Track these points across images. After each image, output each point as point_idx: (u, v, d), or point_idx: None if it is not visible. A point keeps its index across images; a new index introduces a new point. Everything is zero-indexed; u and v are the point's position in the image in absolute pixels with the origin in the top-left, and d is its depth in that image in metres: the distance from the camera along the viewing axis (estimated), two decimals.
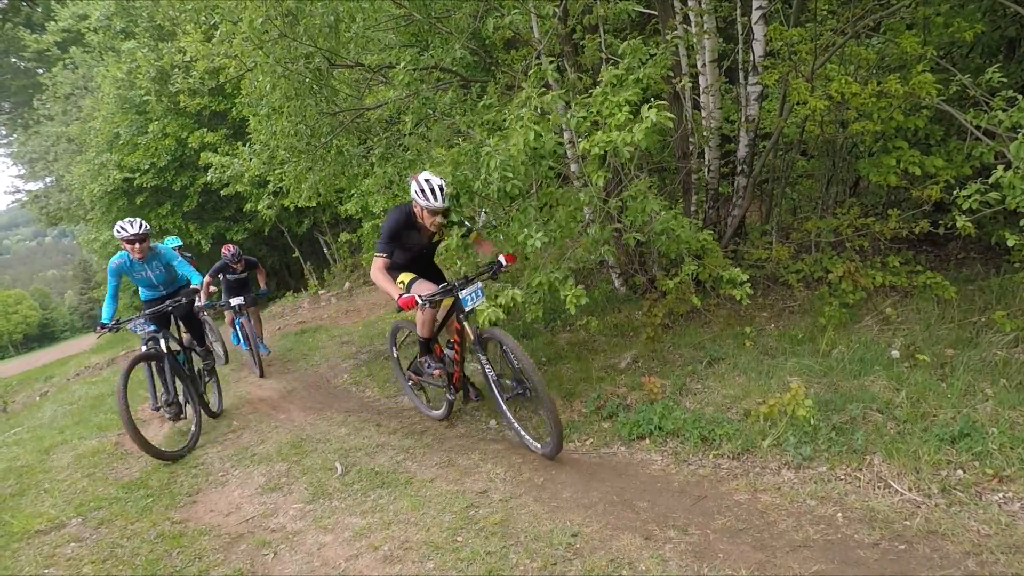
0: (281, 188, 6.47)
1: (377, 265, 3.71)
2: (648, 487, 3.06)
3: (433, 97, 4.51)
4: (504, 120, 3.74)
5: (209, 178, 7.71)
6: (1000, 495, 2.51)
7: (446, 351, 4.32)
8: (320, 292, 15.50)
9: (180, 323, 5.49)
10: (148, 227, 4.68)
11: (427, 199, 3.62)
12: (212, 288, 8.11)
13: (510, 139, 3.39)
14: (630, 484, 3.11)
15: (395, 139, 5.53)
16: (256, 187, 11.98)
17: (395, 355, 4.93)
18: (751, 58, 5.45)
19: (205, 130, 13.12)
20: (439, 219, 3.77)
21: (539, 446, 3.59)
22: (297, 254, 17.23)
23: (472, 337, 3.73)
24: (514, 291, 3.65)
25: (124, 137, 14.36)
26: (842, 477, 2.83)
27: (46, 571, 2.94)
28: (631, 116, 3.29)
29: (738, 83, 6.23)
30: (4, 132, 21.06)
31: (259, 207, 9.85)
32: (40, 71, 18.12)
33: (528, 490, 3.14)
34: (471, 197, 3.88)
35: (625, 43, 3.51)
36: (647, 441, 3.59)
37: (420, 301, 3.54)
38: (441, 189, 3.63)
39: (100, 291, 27.46)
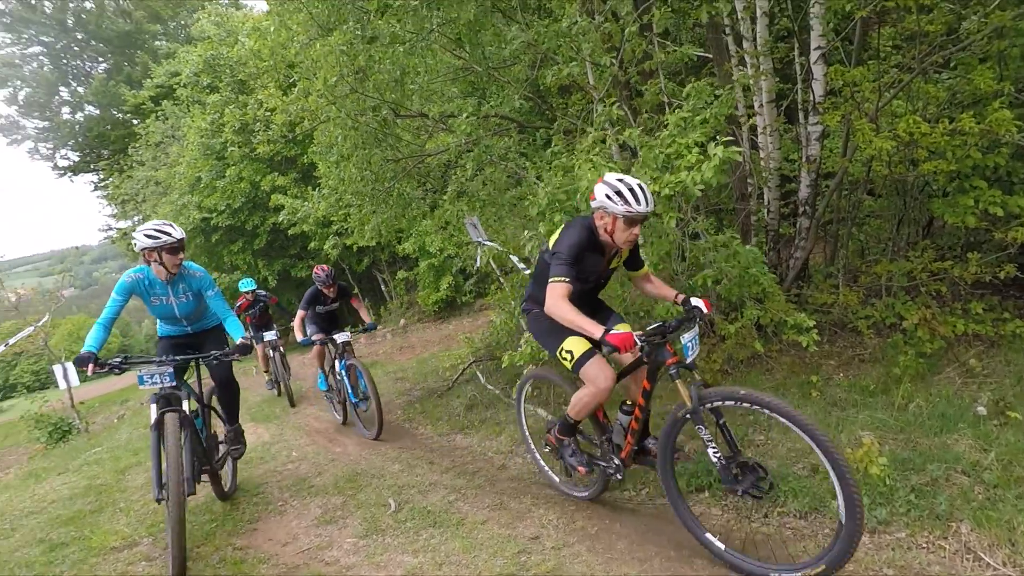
0: (345, 228, 6.80)
1: (559, 293, 2.78)
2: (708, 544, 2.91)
3: (492, 144, 4.68)
4: (574, 166, 3.80)
5: (280, 219, 8.19)
6: None
7: (620, 416, 3.38)
8: (377, 327, 15.93)
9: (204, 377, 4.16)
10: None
11: (626, 203, 2.74)
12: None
13: (579, 180, 3.45)
14: (689, 540, 2.97)
15: (452, 182, 5.74)
16: (320, 227, 12.64)
17: (522, 411, 4.21)
18: (811, 98, 5.37)
19: (276, 174, 14.02)
20: (636, 232, 2.86)
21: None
22: (356, 291, 17.85)
23: (691, 402, 2.76)
24: None
25: (204, 180, 15.54)
26: (924, 545, 2.61)
27: None
28: (700, 156, 3.30)
29: (797, 123, 6.13)
30: (102, 176, 23.23)
31: (325, 246, 10.33)
32: (135, 122, 19.98)
33: (581, 539, 3.06)
34: (565, 213, 3.92)
35: (690, 86, 3.55)
36: (706, 494, 3.44)
37: (639, 342, 2.67)
38: (643, 189, 2.77)
39: None
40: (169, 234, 3.54)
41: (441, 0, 4.37)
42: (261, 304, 8.90)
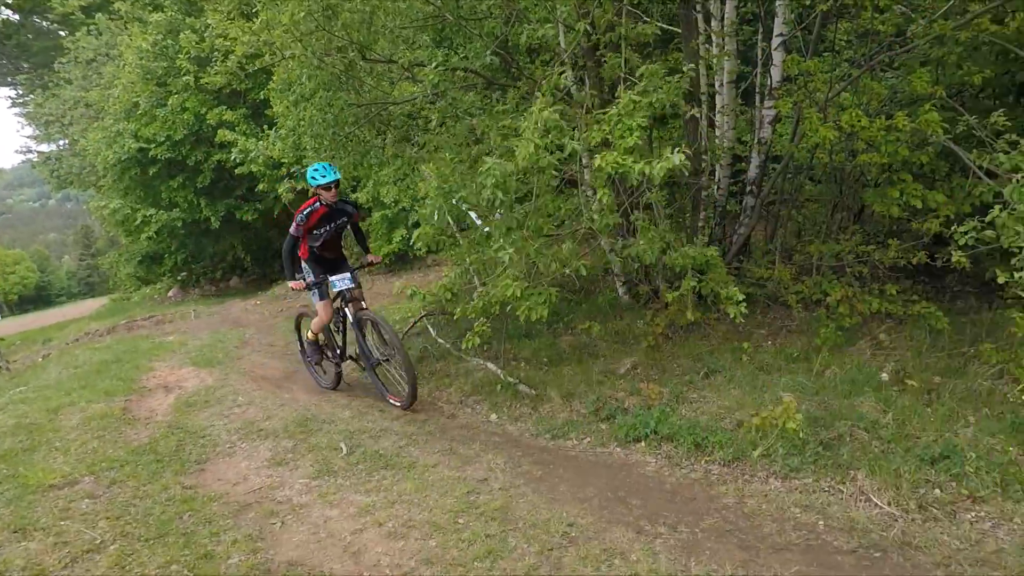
0: (299, 171, 6.59)
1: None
2: (641, 487, 3.22)
3: (458, 97, 4.65)
4: (519, 127, 3.86)
5: (231, 157, 7.79)
6: (973, 514, 2.67)
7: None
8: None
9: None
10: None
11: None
12: None
13: (518, 153, 3.50)
14: (624, 483, 3.27)
15: (413, 133, 5.68)
16: (270, 168, 12.13)
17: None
18: (768, 82, 5.62)
19: (224, 108, 13.22)
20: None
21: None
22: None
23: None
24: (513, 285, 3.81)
25: (143, 108, 14.45)
26: (826, 489, 2.99)
27: (62, 523, 3.08)
28: (639, 141, 3.43)
29: (753, 105, 6.40)
30: (21, 92, 21.16)
31: (279, 190, 9.99)
32: (63, 34, 18.19)
33: (527, 481, 3.29)
34: (451, 207, 4.05)
35: (644, 67, 3.65)
36: (643, 444, 3.74)
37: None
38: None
39: (102, 258, 27.38)
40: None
41: None
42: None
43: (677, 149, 3.14)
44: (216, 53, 9.37)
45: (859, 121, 4.24)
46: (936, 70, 4.92)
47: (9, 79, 21.80)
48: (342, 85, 4.73)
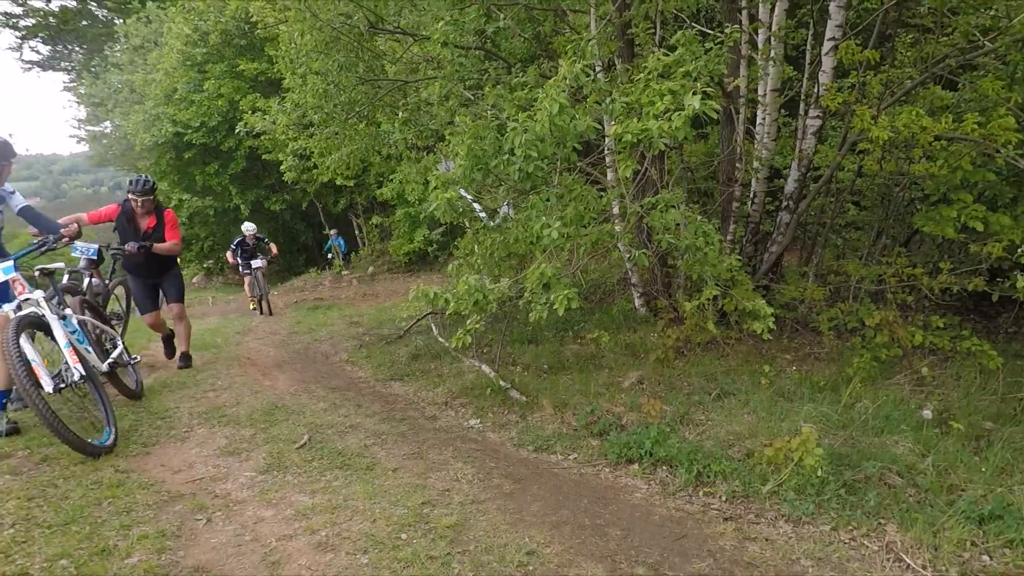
0: (306, 151, 6.35)
1: None
2: (626, 515, 2.75)
3: (467, 64, 4.28)
4: (538, 97, 3.49)
5: (237, 131, 7.64)
6: None
7: None
8: (344, 272, 15.51)
9: None
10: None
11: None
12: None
13: (537, 115, 3.15)
14: (607, 509, 2.80)
15: (424, 109, 5.35)
16: (298, 159, 12.07)
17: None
18: (815, 90, 5.12)
19: (258, 95, 13.27)
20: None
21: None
22: (329, 231, 17.34)
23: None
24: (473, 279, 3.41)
25: (181, 92, 14.69)
26: (847, 541, 2.47)
27: None
28: (672, 108, 3.02)
29: (797, 116, 5.90)
30: (74, 77, 21.85)
31: (282, 164, 9.88)
32: (117, 21, 18.76)
33: (494, 497, 2.86)
34: (485, 174, 3.63)
35: (680, 33, 3.25)
36: (636, 466, 3.27)
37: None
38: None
39: None
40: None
41: None
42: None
43: (695, 92, 2.72)
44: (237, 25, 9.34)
45: (918, 121, 3.70)
46: (1012, 75, 4.35)
47: (63, 63, 22.56)
48: (347, 55, 4.42)
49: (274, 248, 10.90)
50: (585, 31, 5.10)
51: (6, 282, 3.50)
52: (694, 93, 2.80)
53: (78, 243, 4.74)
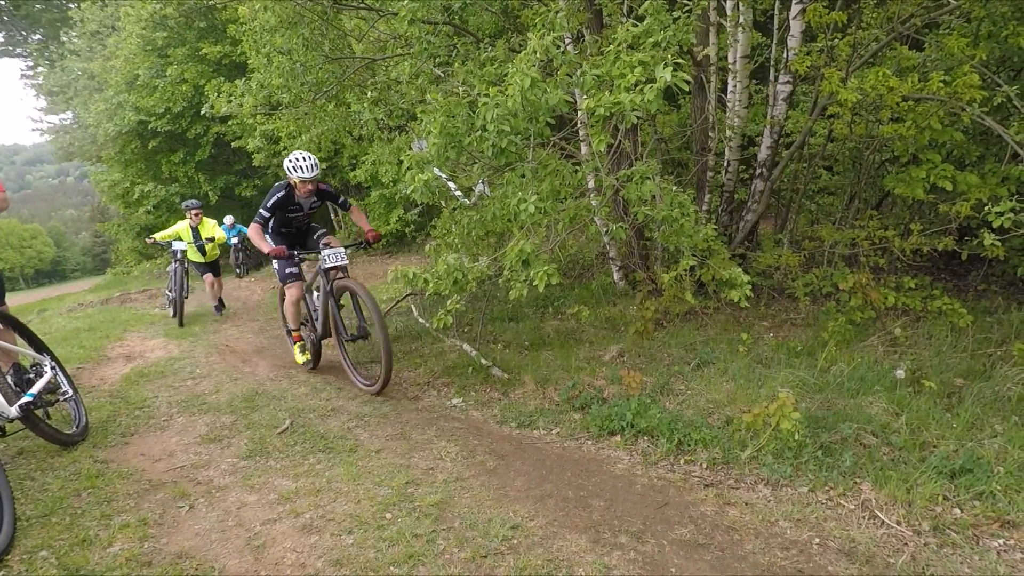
0: (276, 135, 6.19)
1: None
2: (609, 486, 2.78)
3: (435, 42, 4.17)
4: (508, 73, 3.43)
5: (203, 112, 7.44)
6: (1000, 541, 2.20)
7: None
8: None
9: None
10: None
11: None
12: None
13: (508, 90, 3.09)
14: (590, 481, 2.83)
15: (394, 88, 5.23)
16: (269, 142, 11.78)
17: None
18: (784, 55, 5.10)
19: (222, 79, 12.86)
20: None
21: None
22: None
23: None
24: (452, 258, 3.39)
25: (143, 79, 14.18)
26: (824, 501, 2.53)
27: None
28: (643, 80, 2.99)
29: (767, 82, 5.89)
30: (31, 64, 20.99)
31: (249, 146, 9.67)
32: (71, 6, 17.98)
33: (477, 473, 2.87)
34: (459, 152, 3.57)
35: (647, 2, 3.19)
36: (617, 438, 3.30)
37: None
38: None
39: (102, 225, 26.97)
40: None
41: None
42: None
43: (666, 64, 2.69)
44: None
45: (886, 82, 3.71)
46: (976, 32, 4.38)
47: (19, 50, 21.62)
48: (312, 33, 4.27)
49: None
50: (553, 3, 5.01)
51: None
52: (665, 65, 2.76)
53: None
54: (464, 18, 5.59)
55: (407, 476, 2.81)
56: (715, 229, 4.18)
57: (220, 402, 4.01)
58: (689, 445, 3.06)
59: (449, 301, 4.33)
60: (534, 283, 3.36)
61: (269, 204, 4.32)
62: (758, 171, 5.54)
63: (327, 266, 4.29)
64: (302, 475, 2.88)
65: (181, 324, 7.64)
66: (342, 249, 4.38)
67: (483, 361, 4.56)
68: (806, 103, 6.11)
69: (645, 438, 3.23)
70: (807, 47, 4.81)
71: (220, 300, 8.79)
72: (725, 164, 5.80)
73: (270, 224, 4.47)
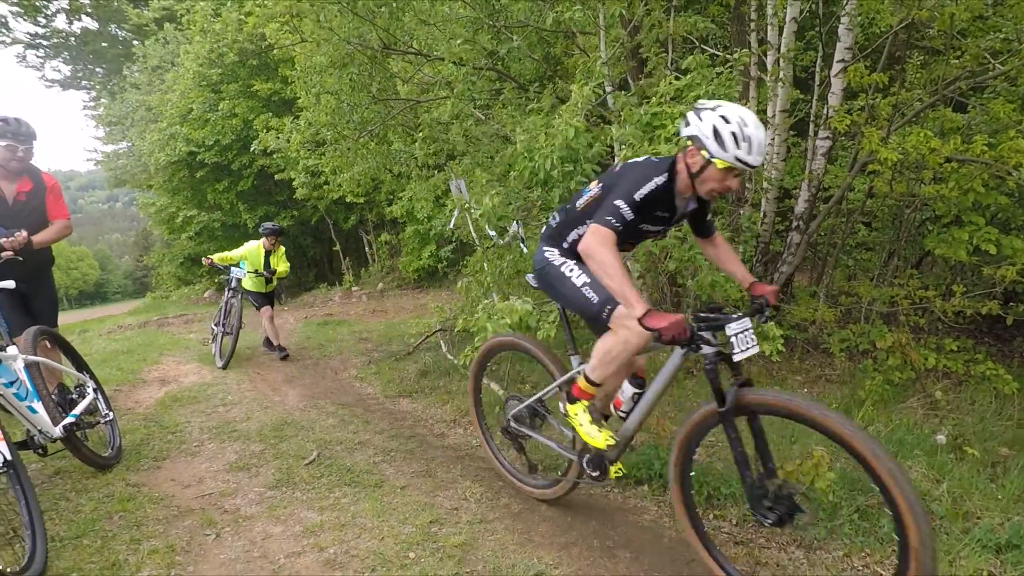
0: (318, 170, 6.45)
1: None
2: (635, 538, 2.72)
3: (478, 83, 4.34)
4: (553, 123, 3.55)
5: (252, 149, 7.77)
6: None
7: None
8: (353, 288, 15.60)
9: None
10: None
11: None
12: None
13: (556, 138, 3.19)
14: (616, 530, 2.78)
15: (436, 128, 5.42)
16: (311, 176, 12.24)
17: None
18: (824, 111, 5.16)
19: (271, 115, 13.51)
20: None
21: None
22: (338, 248, 17.45)
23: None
24: (519, 303, 3.40)
25: (196, 112, 14.97)
26: (859, 568, 2.43)
27: None
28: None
29: (806, 136, 5.94)
30: (94, 96, 22.41)
31: (294, 182, 10.01)
32: (136, 43, 19.25)
33: (502, 516, 2.84)
34: (541, 183, 3.56)
35: (691, 57, 3.29)
36: (645, 487, 3.24)
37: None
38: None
39: (147, 255, 28.10)
40: None
41: None
42: None
43: None
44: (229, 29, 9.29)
45: (927, 143, 3.72)
46: (1023, 97, 4.37)
47: (83, 82, 23.15)
48: (361, 74, 4.51)
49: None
50: (595, 52, 5.19)
51: None
52: None
53: None
54: (507, 64, 5.83)
55: (431, 515, 2.80)
56: None
57: (250, 430, 4.08)
58: (719, 499, 2.99)
59: (477, 339, 4.37)
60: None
61: (639, 194, 2.20)
62: (795, 224, 5.53)
63: (739, 358, 2.15)
64: (327, 508, 2.89)
65: (226, 367, 6.35)
66: (748, 325, 2.18)
67: None
68: (845, 157, 6.12)
69: None
70: (848, 104, 4.85)
71: (278, 343, 7.42)
72: (762, 215, 5.80)
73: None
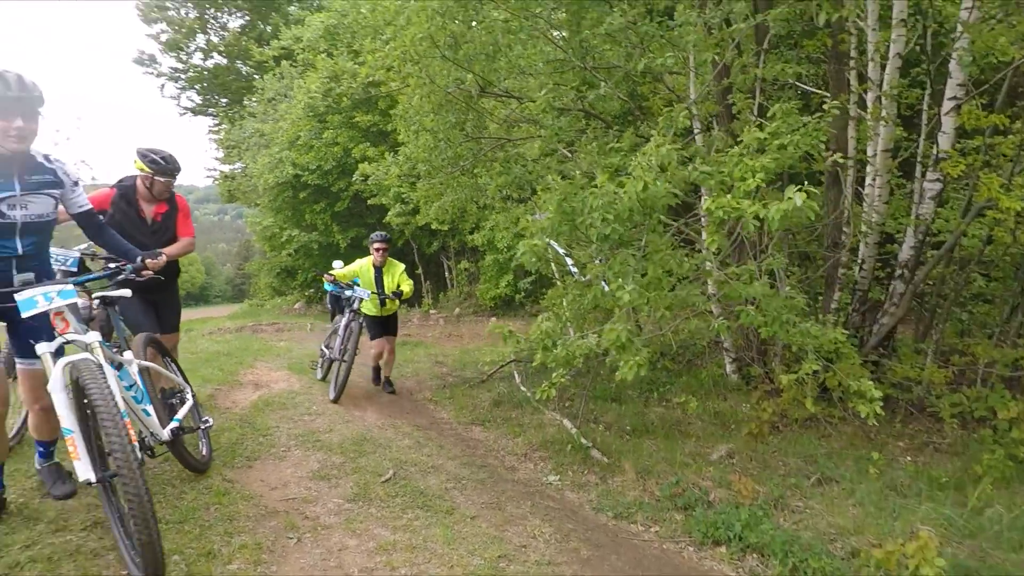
0: (409, 198, 6.77)
1: None
2: None
3: (565, 126, 4.45)
4: (628, 166, 3.56)
5: (353, 179, 8.27)
6: None
7: None
8: (431, 311, 16.06)
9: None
10: None
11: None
12: None
13: (625, 186, 3.19)
14: None
15: (521, 164, 5.57)
16: (400, 202, 12.87)
17: None
18: (934, 152, 4.81)
19: (368, 144, 14.40)
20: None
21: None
22: (420, 271, 18.09)
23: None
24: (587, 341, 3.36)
25: (303, 139, 16.25)
26: None
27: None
28: (764, 184, 2.97)
29: (913, 178, 5.54)
30: (218, 122, 24.97)
31: (388, 211, 10.46)
32: (256, 77, 21.30)
33: (570, 561, 2.78)
34: (572, 228, 3.67)
35: (777, 105, 3.20)
36: (723, 549, 3.06)
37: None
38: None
39: (248, 264, 30.47)
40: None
41: None
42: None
43: (799, 189, 2.64)
44: (344, 75, 10.07)
45: None
46: None
47: (210, 110, 25.87)
48: (452, 107, 4.74)
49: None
50: (682, 92, 5.16)
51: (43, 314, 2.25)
52: (799, 189, 2.70)
53: (52, 249, 2.93)
54: (594, 104, 5.93)
55: (500, 549, 2.79)
56: (844, 332, 3.90)
57: (332, 442, 4.26)
58: (806, 573, 2.77)
59: (555, 374, 4.36)
60: (631, 367, 3.29)
61: None
62: (898, 272, 5.15)
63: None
64: (400, 528, 2.96)
65: (337, 399, 5.46)
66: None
67: (583, 440, 4.48)
68: (957, 200, 5.65)
69: (755, 555, 2.97)
70: (961, 144, 4.50)
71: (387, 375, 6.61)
72: (859, 261, 5.44)
73: None
